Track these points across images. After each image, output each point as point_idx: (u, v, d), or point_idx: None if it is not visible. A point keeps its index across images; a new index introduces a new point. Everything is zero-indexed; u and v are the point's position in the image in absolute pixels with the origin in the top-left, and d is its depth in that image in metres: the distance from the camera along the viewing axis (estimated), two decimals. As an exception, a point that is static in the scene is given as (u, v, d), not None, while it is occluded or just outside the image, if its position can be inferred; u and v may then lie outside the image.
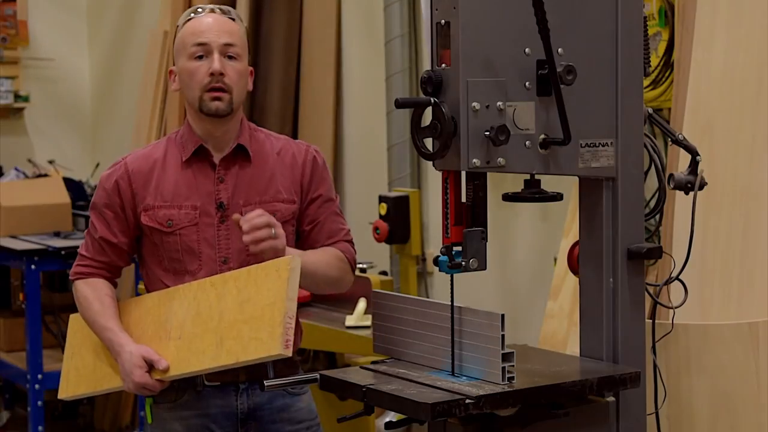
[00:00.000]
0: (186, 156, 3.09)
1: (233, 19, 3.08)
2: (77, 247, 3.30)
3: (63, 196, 6.44)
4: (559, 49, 2.64)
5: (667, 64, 3.97)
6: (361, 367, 2.83)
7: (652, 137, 2.92)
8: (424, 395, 2.53)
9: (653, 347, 2.96)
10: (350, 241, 3.22)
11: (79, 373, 3.26)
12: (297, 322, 3.20)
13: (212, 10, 3.08)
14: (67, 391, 3.31)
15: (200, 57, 3.03)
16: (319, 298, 4.84)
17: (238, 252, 3.05)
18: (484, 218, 2.65)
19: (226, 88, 3.02)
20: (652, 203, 3.01)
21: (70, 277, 3.23)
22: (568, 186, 3.39)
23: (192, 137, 3.10)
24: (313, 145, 3.23)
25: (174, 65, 3.14)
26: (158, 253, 3.11)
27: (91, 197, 3.25)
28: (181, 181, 3.08)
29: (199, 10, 3.09)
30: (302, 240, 3.17)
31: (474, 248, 2.61)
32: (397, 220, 4.95)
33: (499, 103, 2.58)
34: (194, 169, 3.09)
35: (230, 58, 3.03)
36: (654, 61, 3.95)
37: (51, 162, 7.24)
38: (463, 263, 2.60)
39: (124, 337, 3.06)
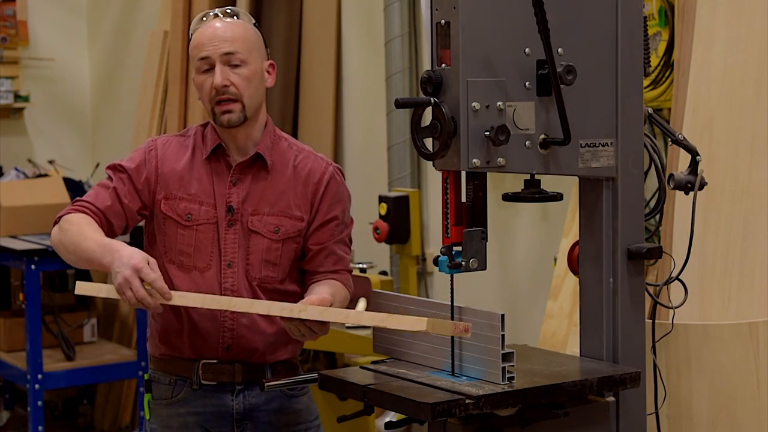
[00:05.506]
0: (205, 154, 3.07)
1: (240, 20, 3.04)
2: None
3: (63, 196, 6.42)
4: (559, 49, 2.64)
5: (667, 64, 3.96)
6: (361, 367, 2.83)
7: (652, 137, 2.91)
8: (424, 395, 2.53)
9: (653, 347, 2.96)
10: (350, 271, 3.17)
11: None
12: None
13: (216, 15, 3.04)
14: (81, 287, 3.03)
15: (206, 71, 3.01)
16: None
17: (242, 258, 3.04)
18: (484, 218, 2.65)
19: (235, 97, 2.99)
20: (652, 203, 3.01)
21: (56, 218, 3.05)
22: (568, 186, 3.39)
23: (213, 135, 3.08)
24: (334, 163, 3.14)
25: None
26: (165, 243, 3.06)
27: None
28: (205, 178, 3.06)
29: (210, 14, 3.06)
30: (307, 259, 3.11)
31: (474, 248, 2.61)
32: (397, 220, 4.94)
33: (499, 103, 2.58)
34: (214, 168, 3.07)
35: (235, 66, 2.99)
36: (654, 61, 3.95)
37: (51, 162, 7.24)
38: (463, 263, 2.60)
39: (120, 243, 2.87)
